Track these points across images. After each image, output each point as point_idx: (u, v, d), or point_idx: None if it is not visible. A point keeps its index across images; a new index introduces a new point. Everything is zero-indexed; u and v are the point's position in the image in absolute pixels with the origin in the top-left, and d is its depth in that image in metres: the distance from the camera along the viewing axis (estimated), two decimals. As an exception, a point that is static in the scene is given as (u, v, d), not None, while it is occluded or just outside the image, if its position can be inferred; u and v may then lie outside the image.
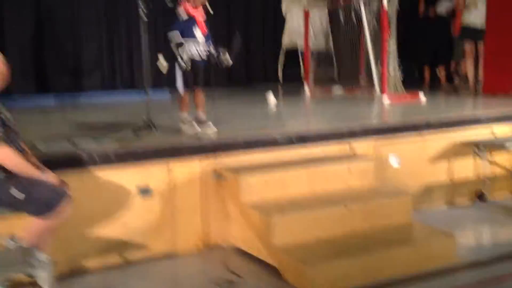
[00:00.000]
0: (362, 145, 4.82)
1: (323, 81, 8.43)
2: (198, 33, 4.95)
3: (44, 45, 8.25)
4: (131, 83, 8.86)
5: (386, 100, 6.64)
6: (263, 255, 3.81)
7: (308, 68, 8.31)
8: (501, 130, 5.47)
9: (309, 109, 7.24)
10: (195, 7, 4.97)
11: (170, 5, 4.79)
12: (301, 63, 9.10)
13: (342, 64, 8.84)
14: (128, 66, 8.93)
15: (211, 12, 5.06)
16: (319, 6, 9.22)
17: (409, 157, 4.97)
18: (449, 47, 8.54)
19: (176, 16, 4.96)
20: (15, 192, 3.25)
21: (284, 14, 9.69)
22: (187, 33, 4.89)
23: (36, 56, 8.26)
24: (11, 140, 3.36)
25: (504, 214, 4.99)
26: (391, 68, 6.81)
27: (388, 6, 6.68)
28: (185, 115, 5.08)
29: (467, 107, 6.57)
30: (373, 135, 4.89)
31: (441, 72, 8.60)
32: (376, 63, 7.34)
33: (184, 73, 4.90)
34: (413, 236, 4.02)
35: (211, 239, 4.30)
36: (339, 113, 6.21)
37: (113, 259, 3.98)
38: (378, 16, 7.24)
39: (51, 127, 5.62)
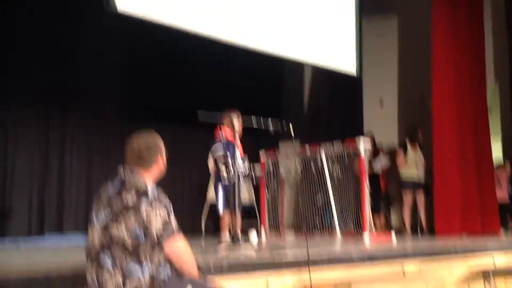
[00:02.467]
0: (409, 267, 4.95)
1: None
2: (238, 154, 5.03)
3: None
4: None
5: (367, 239, 6.90)
6: None
7: (264, 216, 8.37)
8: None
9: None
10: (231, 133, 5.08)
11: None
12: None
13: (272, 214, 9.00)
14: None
15: None
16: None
17: (436, 278, 5.16)
18: (380, 199, 9.28)
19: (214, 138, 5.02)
20: (190, 295, 2.83)
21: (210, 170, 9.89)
22: (230, 154, 4.92)
23: None
24: None
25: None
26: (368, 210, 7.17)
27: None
28: (227, 234, 4.89)
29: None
30: (417, 257, 5.06)
31: (376, 221, 9.18)
32: (338, 207, 7.73)
33: (226, 193, 4.84)
34: None
35: None
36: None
37: None
38: (339, 164, 7.79)
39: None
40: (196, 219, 9.77)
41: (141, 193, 2.79)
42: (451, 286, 5.29)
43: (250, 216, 9.99)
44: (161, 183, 3.38)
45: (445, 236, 7.61)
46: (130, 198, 2.78)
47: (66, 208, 8.30)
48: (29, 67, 7.91)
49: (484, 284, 5.69)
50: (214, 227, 9.22)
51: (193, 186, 10.42)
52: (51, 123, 8.40)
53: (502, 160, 9.88)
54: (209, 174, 9.79)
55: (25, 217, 7.84)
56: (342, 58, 9.44)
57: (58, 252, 4.82)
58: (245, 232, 6.81)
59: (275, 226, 8.35)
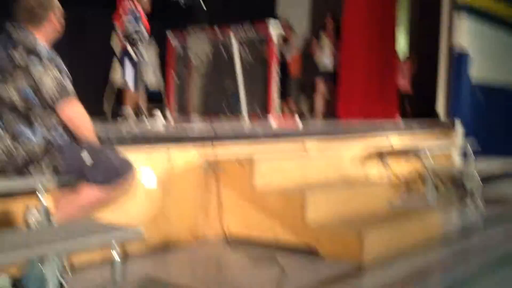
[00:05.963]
0: (310, 144, 5.12)
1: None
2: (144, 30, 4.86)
3: None
4: None
5: (272, 121, 6.98)
6: (292, 236, 3.75)
7: (171, 100, 8.20)
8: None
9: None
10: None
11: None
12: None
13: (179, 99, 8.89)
14: None
15: None
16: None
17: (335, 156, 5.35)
18: (288, 85, 9.31)
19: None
20: (85, 156, 2.75)
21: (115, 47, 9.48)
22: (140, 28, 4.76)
23: None
24: None
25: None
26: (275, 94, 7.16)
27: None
28: (130, 110, 4.83)
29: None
30: (317, 136, 5.21)
31: (284, 106, 9.29)
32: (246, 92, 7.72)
33: (136, 67, 4.73)
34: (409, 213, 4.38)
35: (200, 231, 4.06)
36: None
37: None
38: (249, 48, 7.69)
39: None
40: (99, 102, 9.47)
41: (31, 51, 2.63)
42: (348, 163, 5.53)
43: (156, 101, 9.84)
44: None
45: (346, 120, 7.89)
46: (18, 56, 2.61)
47: None
48: None
49: (379, 162, 6.02)
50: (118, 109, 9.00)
51: (97, 68, 10.00)
52: None
53: (407, 52, 10.16)
54: (111, 56, 9.43)
55: None
56: None
57: None
58: (150, 114, 6.71)
59: (182, 111, 8.25)
